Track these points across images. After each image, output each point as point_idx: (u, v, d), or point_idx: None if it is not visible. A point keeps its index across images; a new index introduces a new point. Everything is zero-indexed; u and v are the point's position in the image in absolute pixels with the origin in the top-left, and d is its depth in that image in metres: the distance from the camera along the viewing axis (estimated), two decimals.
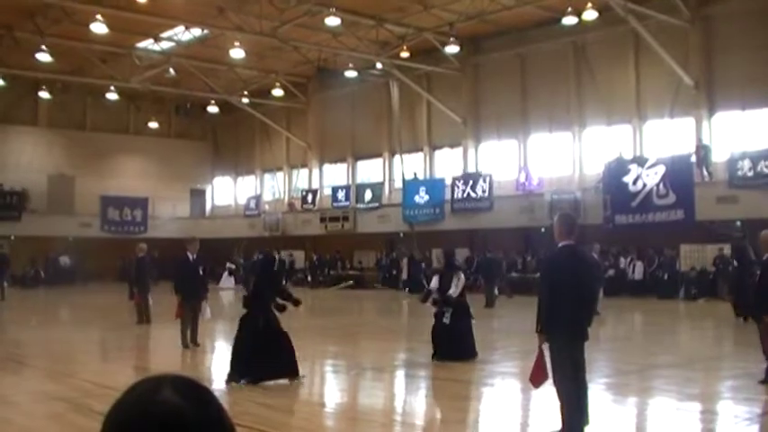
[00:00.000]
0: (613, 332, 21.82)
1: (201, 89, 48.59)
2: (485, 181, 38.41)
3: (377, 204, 44.21)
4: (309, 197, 49.22)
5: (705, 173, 32.46)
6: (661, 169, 31.91)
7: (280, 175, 54.69)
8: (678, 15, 33.19)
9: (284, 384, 12.09)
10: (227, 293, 40.37)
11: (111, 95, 48.02)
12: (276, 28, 37.27)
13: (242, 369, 12.04)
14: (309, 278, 45.39)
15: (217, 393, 1.52)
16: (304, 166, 52.12)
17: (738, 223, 28.60)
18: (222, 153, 59.10)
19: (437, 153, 45.03)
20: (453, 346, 14.35)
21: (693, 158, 32.31)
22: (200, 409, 1.41)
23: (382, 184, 45.72)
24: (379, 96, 46.17)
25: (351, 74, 42.64)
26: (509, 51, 40.26)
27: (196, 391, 1.44)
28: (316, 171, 51.24)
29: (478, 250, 37.23)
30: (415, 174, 43.46)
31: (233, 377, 12.05)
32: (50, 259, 48.95)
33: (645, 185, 32.25)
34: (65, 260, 48.98)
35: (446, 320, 14.41)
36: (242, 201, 55.74)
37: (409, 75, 42.57)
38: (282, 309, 12.68)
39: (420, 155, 45.09)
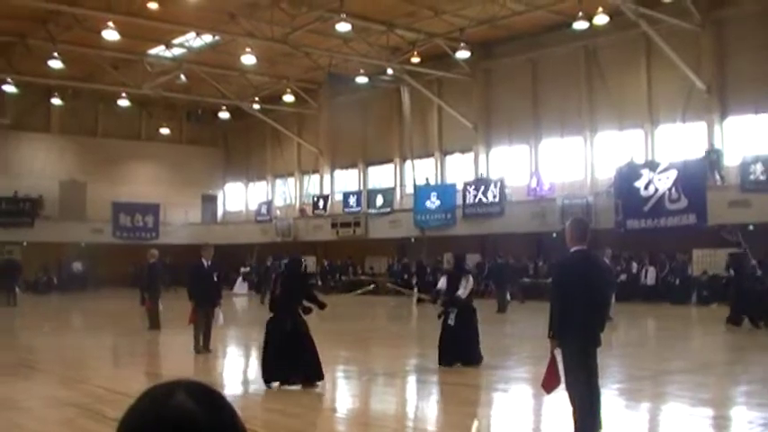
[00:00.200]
0: (626, 337, 21.76)
1: (213, 95, 48.68)
2: (496, 186, 38.37)
3: (388, 210, 44.21)
4: (321, 203, 49.22)
5: (717, 177, 32.35)
6: (673, 174, 31.80)
7: (291, 180, 54.73)
8: (689, 19, 33.09)
9: (296, 389, 12.09)
10: (241, 299, 40.51)
11: (123, 102, 48.14)
12: (287, 34, 37.33)
13: (271, 373, 12.12)
14: (320, 283, 45.42)
15: (229, 399, 1.51)
16: (315, 171, 52.16)
17: (740, 233, 28.43)
18: (233, 159, 59.18)
19: (448, 158, 44.99)
20: (458, 348, 14.36)
21: (707, 160, 32.20)
22: (214, 414, 1.42)
23: (393, 189, 45.71)
24: (390, 102, 46.18)
25: (362, 79, 42.64)
26: (520, 56, 40.23)
27: (209, 397, 1.45)
28: (327, 177, 51.24)
29: (490, 256, 37.18)
30: (426, 179, 43.44)
31: (265, 381, 12.16)
32: (63, 265, 49.07)
33: (657, 190, 32.13)
34: (77, 266, 49.08)
35: (451, 322, 14.41)
36: (253, 206, 55.74)
37: (420, 80, 42.57)
38: (308, 311, 12.72)
39: (431, 160, 45.08)
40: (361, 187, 48.36)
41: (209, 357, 16.76)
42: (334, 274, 45.96)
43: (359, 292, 40.74)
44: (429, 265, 38.86)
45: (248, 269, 45.98)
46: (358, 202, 46.23)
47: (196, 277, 17.52)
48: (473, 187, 39.39)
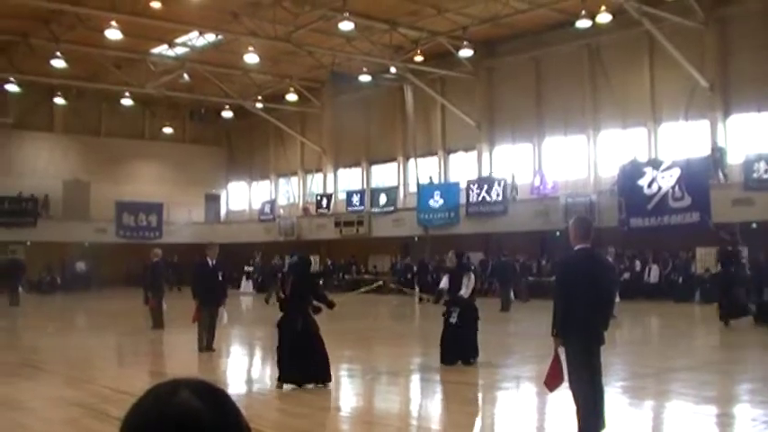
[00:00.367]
0: (629, 335, 21.76)
1: (216, 94, 48.69)
2: (500, 185, 38.36)
3: (391, 208, 44.20)
4: (324, 202, 49.22)
5: (720, 175, 32.32)
6: (676, 172, 31.76)
7: (294, 179, 54.75)
8: (693, 17, 33.06)
9: (300, 389, 12.11)
10: (247, 298, 40.58)
11: (126, 101, 48.12)
12: (290, 33, 37.32)
13: (284, 373, 12.15)
14: (322, 282, 45.37)
15: (234, 398, 1.52)
16: (318, 170, 52.16)
17: (735, 230, 28.37)
18: (237, 158, 59.19)
19: (451, 157, 44.99)
20: (460, 347, 14.38)
21: (712, 158, 32.18)
22: (218, 412, 1.42)
23: (397, 188, 45.72)
24: (394, 100, 46.16)
25: (365, 78, 42.59)
26: (523, 55, 40.20)
27: (213, 395, 1.45)
28: (330, 175, 51.24)
29: (493, 254, 37.17)
30: (430, 178, 43.43)
31: (279, 382, 12.23)
32: (66, 265, 49.09)
33: (660, 188, 32.10)
34: (80, 266, 49.09)
35: (453, 320, 14.42)
36: (257, 205, 55.77)
37: (423, 79, 42.56)
38: (318, 310, 12.75)
39: (434, 159, 45.07)
40: (365, 186, 48.36)
41: (212, 356, 16.78)
42: (338, 272, 45.97)
43: (363, 289, 40.60)
44: (431, 263, 38.81)
45: (252, 268, 46.09)
46: (361, 201, 46.22)
47: (201, 276, 17.56)
48: (476, 186, 39.38)
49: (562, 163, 38.84)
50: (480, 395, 12.78)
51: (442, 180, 43.73)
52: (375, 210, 44.81)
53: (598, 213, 33.11)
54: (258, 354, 19.58)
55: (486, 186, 38.89)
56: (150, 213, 51.43)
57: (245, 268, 46.12)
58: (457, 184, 41.07)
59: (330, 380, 12.34)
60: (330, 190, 50.46)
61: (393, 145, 46.73)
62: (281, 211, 52.62)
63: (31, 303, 35.15)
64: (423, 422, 10.65)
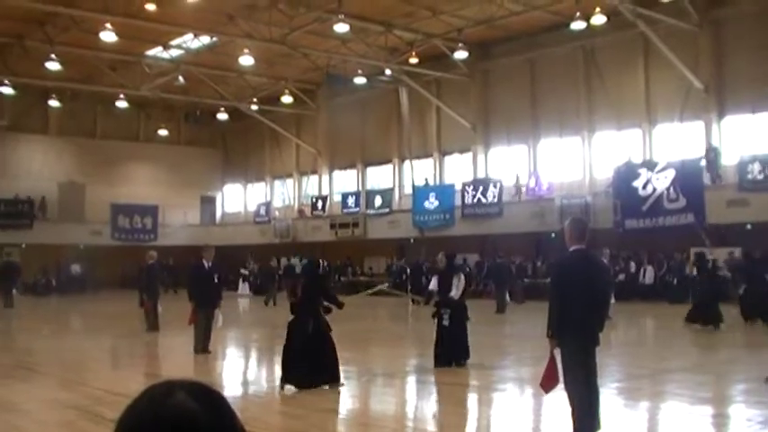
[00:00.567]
0: (625, 337, 21.78)
1: (211, 96, 48.68)
2: (495, 186, 38.40)
3: (387, 210, 44.22)
4: (319, 203, 49.24)
5: (715, 176, 32.37)
6: (671, 173, 31.84)
7: (290, 181, 54.74)
8: (687, 19, 33.12)
9: (295, 390, 12.11)
10: (244, 301, 40.55)
11: (121, 103, 48.11)
12: (285, 35, 37.33)
13: (291, 376, 12.15)
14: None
15: (230, 400, 1.52)
16: (314, 172, 52.16)
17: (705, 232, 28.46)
18: (232, 160, 59.16)
19: (447, 159, 45.01)
20: (453, 348, 14.38)
21: (703, 162, 32.26)
22: (214, 413, 1.41)
23: (392, 190, 45.74)
24: (389, 102, 46.18)
25: (360, 80, 42.62)
26: (518, 56, 40.24)
27: (209, 396, 1.44)
28: (325, 177, 51.24)
29: (489, 256, 37.19)
30: (425, 179, 43.45)
31: (283, 384, 12.23)
32: (61, 267, 49.01)
33: (655, 189, 32.17)
34: (75, 268, 49.01)
35: (446, 322, 14.41)
36: (252, 207, 55.76)
37: (418, 81, 42.58)
38: (327, 311, 12.80)
39: (430, 161, 45.10)
40: (360, 188, 48.36)
41: (208, 359, 16.76)
42: (333, 274, 45.90)
43: (370, 291, 40.34)
44: (426, 265, 38.81)
45: (247, 271, 46.06)
46: (357, 203, 46.24)
47: (196, 278, 17.57)
48: (472, 187, 39.42)
49: (557, 164, 38.89)
50: (476, 397, 12.78)
51: (438, 182, 43.76)
52: (370, 211, 44.83)
53: (593, 215, 33.17)
54: (254, 356, 19.57)
55: (481, 188, 38.95)
56: (145, 216, 51.42)
57: (241, 271, 46.11)
58: (452, 186, 41.12)
59: (338, 381, 12.40)
60: (325, 192, 50.48)
61: (388, 147, 46.73)
62: (277, 213, 52.60)
63: (25, 305, 35.09)
64: (418, 423, 10.64)
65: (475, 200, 39.03)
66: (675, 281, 32.98)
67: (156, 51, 42.54)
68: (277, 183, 56.18)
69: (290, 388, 12.15)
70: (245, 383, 14.69)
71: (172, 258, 43.57)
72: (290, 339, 12.47)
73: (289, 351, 12.40)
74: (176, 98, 49.05)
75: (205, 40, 40.53)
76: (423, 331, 18.07)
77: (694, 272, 26.00)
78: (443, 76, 42.17)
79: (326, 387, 12.21)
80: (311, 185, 52.56)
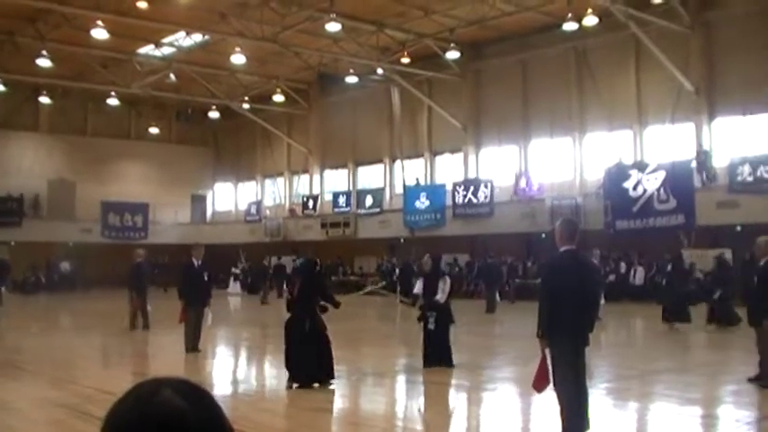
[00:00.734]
0: (614, 337, 21.83)
1: (202, 95, 48.61)
2: (486, 187, 38.43)
3: (378, 210, 44.23)
4: (310, 203, 49.24)
5: (704, 177, 32.46)
6: (661, 175, 31.89)
7: (281, 180, 54.69)
8: (678, 21, 33.20)
9: (284, 390, 12.13)
10: (235, 299, 40.50)
11: (112, 101, 48.04)
12: (277, 33, 37.29)
13: (293, 374, 12.19)
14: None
15: (220, 399, 1.51)
16: (305, 171, 52.13)
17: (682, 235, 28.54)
18: (223, 159, 59.09)
19: (438, 158, 45.02)
20: (439, 350, 14.39)
21: (694, 164, 32.34)
22: (203, 411, 1.40)
23: (383, 189, 45.75)
24: (380, 102, 46.16)
25: (352, 79, 42.63)
26: (510, 57, 40.27)
27: (197, 394, 1.43)
28: (317, 177, 51.21)
29: (480, 256, 37.21)
30: (416, 179, 43.45)
31: (291, 383, 12.29)
32: (51, 265, 48.88)
33: (645, 191, 32.21)
34: (65, 266, 48.91)
35: (431, 326, 14.40)
36: (243, 206, 55.73)
37: (410, 80, 42.58)
38: (324, 310, 12.87)
39: (421, 160, 45.09)
40: (351, 187, 48.36)
41: (198, 357, 16.74)
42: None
43: (368, 289, 40.20)
44: (416, 265, 38.77)
45: (238, 271, 45.99)
46: (347, 203, 46.25)
47: (187, 277, 17.55)
48: (463, 187, 39.45)
49: (548, 165, 38.91)
50: (465, 396, 12.79)
51: (429, 182, 43.77)
52: (361, 211, 44.85)
53: (584, 215, 33.24)
54: (244, 355, 19.55)
55: (472, 188, 38.97)
56: (136, 214, 51.32)
57: (233, 270, 46.04)
58: (443, 186, 41.14)
59: (333, 377, 12.48)
60: (316, 191, 50.47)
61: (379, 146, 46.72)
62: (268, 212, 52.57)
63: (14, 303, 34.93)
64: (408, 423, 10.65)
65: (466, 200, 39.08)
66: (664, 282, 32.98)
67: (148, 49, 42.45)
68: (268, 182, 56.11)
69: (295, 385, 12.22)
70: (235, 382, 14.68)
71: (167, 256, 43.47)
72: (289, 338, 12.51)
73: (289, 351, 12.45)
74: (168, 96, 48.95)
75: (197, 38, 40.46)
76: (411, 331, 18.06)
77: (669, 269, 26.12)
78: (435, 75, 42.18)
79: (317, 385, 12.22)
80: (302, 184, 52.52)
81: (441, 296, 14.48)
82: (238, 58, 38.48)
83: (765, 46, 31.61)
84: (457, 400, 12.67)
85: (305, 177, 52.18)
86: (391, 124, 45.65)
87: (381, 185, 46.37)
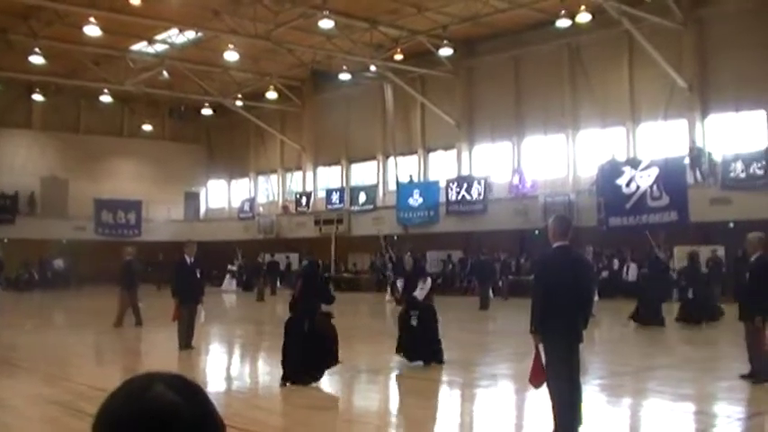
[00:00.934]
0: (608, 334, 21.87)
1: (196, 92, 48.55)
2: (480, 183, 38.45)
3: (371, 207, 44.22)
4: (303, 200, 49.25)
5: (698, 174, 32.52)
6: (654, 171, 31.91)
7: (274, 177, 54.67)
8: (671, 17, 33.26)
9: (278, 387, 12.14)
10: (229, 296, 40.48)
11: (105, 98, 47.94)
12: (270, 31, 37.25)
13: (290, 373, 12.19)
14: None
15: (213, 396, 1.51)
16: (298, 168, 52.11)
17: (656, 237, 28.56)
18: (216, 156, 59.01)
19: (431, 155, 45.02)
20: (420, 348, 14.42)
21: (687, 160, 32.40)
22: (196, 405, 1.39)
23: (376, 186, 45.75)
24: (374, 99, 46.15)
25: (345, 76, 42.63)
26: (503, 54, 40.29)
27: (189, 388, 1.42)
28: (310, 174, 51.19)
29: (473, 253, 37.23)
30: (410, 176, 43.45)
31: (283, 380, 12.28)
32: (44, 262, 48.81)
33: (638, 187, 32.24)
34: (58, 263, 48.84)
35: (413, 323, 14.47)
36: (236, 203, 55.69)
37: (403, 77, 42.58)
38: (328, 315, 13.00)
39: (414, 157, 45.10)
40: (344, 184, 48.36)
41: (192, 354, 16.73)
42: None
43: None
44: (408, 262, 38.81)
45: (234, 269, 45.97)
46: (341, 199, 46.26)
47: (179, 274, 17.53)
48: (456, 184, 39.47)
49: (541, 162, 38.95)
50: (459, 393, 12.81)
51: (422, 179, 43.78)
52: (354, 208, 44.84)
53: (577, 212, 33.26)
54: (238, 352, 19.54)
55: (465, 185, 38.99)
56: (129, 211, 51.29)
57: (229, 267, 46.01)
58: (436, 183, 41.15)
59: (331, 367, 12.63)
60: (310, 188, 50.46)
61: (373, 143, 46.72)
62: (261, 209, 52.59)
63: (8, 301, 34.84)
64: (402, 419, 10.66)
65: (459, 197, 39.08)
66: (642, 282, 33.08)
67: (141, 46, 42.40)
68: (261, 179, 56.08)
69: (289, 384, 12.22)
70: (229, 379, 14.67)
71: (161, 254, 43.38)
72: (288, 337, 12.54)
73: (286, 349, 12.46)
74: (161, 93, 48.87)
75: (190, 35, 40.42)
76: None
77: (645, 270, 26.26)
78: (428, 72, 42.20)
79: (314, 384, 12.23)
80: (295, 182, 52.50)
81: (418, 292, 14.59)
82: (231, 56, 38.47)
83: (758, 43, 31.69)
84: (450, 396, 12.69)
85: (298, 174, 52.16)
86: (384, 121, 45.65)
87: (375, 182, 46.35)
